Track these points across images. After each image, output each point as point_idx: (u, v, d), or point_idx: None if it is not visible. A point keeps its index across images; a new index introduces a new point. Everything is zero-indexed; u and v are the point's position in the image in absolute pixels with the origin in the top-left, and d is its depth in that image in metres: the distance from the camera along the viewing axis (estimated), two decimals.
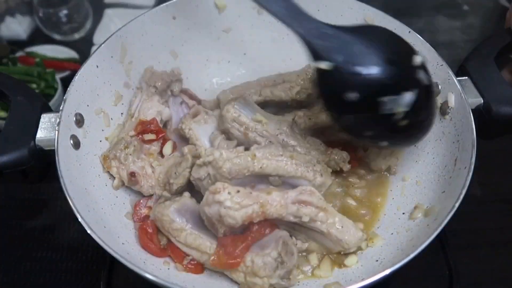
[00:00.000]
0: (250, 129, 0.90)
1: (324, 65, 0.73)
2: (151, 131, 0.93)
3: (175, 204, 0.83)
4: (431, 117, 0.81)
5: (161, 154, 0.94)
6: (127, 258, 0.69)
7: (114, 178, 0.89)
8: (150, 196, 0.90)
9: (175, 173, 0.86)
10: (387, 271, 0.69)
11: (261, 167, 0.80)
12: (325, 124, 0.92)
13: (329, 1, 1.04)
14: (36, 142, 0.82)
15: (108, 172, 0.89)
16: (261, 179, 0.82)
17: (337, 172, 0.92)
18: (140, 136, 0.92)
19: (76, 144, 0.84)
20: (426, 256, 0.80)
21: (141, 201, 0.89)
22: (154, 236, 0.84)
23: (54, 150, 0.78)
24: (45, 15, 1.48)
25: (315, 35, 0.74)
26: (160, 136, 0.93)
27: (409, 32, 0.97)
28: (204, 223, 0.81)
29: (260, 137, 0.90)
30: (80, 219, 0.71)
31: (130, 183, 0.88)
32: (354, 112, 0.76)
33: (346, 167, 0.90)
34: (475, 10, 1.61)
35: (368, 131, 0.80)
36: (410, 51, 0.77)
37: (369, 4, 1.02)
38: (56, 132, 0.80)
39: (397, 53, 0.76)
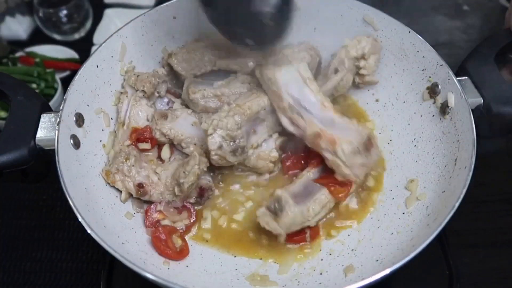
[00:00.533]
0: (221, 94, 0.95)
1: None
2: (145, 140, 0.92)
3: (290, 201, 0.84)
4: (289, 18, 0.84)
5: (159, 158, 0.94)
6: (127, 258, 0.69)
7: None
8: None
9: (184, 172, 0.86)
10: (387, 271, 0.69)
11: (249, 109, 0.88)
12: None
13: (329, 1, 1.04)
14: (36, 142, 0.82)
15: None
16: (254, 121, 0.91)
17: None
18: (136, 144, 0.92)
19: (76, 144, 0.84)
20: (426, 256, 0.80)
21: (151, 206, 0.89)
22: (169, 241, 0.84)
23: (54, 150, 0.78)
24: (45, 15, 1.48)
25: None
26: (154, 144, 0.93)
27: (409, 32, 0.97)
28: (308, 190, 0.87)
29: (234, 95, 0.95)
30: (80, 219, 0.71)
31: (139, 194, 0.88)
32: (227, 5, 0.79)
33: None
34: (475, 10, 1.61)
35: (238, 28, 0.83)
36: None
37: (369, 4, 1.02)
38: (56, 132, 0.80)
39: None
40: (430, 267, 0.93)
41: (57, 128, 0.80)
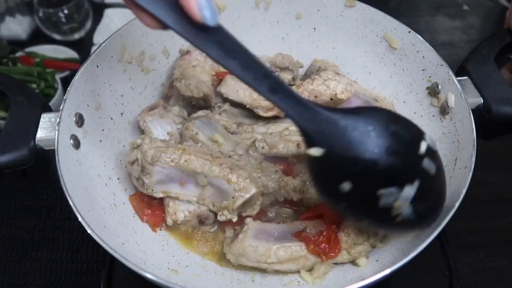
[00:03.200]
0: (208, 152, 0.87)
1: (314, 151, 0.67)
2: None
3: (249, 232, 0.81)
4: (437, 206, 0.73)
5: None
6: (127, 258, 0.69)
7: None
8: None
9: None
10: (387, 271, 0.69)
11: (185, 161, 0.82)
12: (284, 155, 0.91)
13: (329, 1, 1.04)
14: (36, 142, 0.82)
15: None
16: (189, 177, 0.84)
17: None
18: None
19: (76, 144, 0.84)
20: (426, 256, 0.80)
21: None
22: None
23: (54, 150, 0.78)
24: (45, 15, 1.48)
25: (307, 119, 0.67)
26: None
27: (409, 32, 0.97)
28: (279, 236, 0.81)
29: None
30: (80, 219, 0.71)
31: None
32: (348, 202, 0.69)
33: (297, 197, 0.86)
34: (475, 10, 1.61)
35: (366, 220, 0.73)
36: (417, 137, 0.70)
37: (369, 4, 1.02)
38: (56, 132, 0.80)
39: (400, 140, 0.68)
40: (430, 267, 0.93)
41: (57, 128, 0.80)
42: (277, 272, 0.82)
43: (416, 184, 0.68)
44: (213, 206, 0.85)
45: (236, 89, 0.95)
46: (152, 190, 0.85)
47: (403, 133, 0.68)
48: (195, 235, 0.89)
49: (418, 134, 0.70)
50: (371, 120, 0.67)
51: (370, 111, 0.72)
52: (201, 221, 0.87)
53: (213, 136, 0.90)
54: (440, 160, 0.73)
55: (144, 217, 0.88)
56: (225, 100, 0.99)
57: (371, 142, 0.66)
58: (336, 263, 0.82)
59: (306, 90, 0.92)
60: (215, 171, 0.82)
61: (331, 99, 0.92)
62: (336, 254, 0.81)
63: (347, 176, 0.66)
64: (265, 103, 0.94)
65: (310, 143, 0.67)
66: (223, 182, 0.82)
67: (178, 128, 0.95)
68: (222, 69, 1.02)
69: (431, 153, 0.70)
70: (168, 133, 0.95)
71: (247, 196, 0.81)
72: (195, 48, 1.00)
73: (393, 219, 0.69)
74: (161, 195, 0.86)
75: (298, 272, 0.82)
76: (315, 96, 0.92)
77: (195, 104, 0.99)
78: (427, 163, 0.69)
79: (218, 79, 1.01)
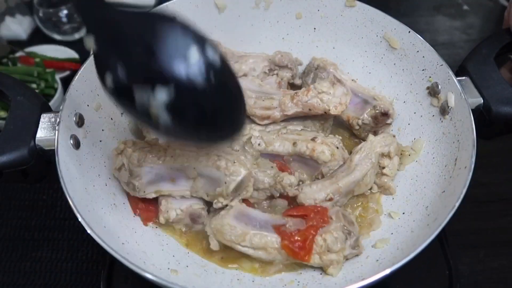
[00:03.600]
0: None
1: (87, 38, 0.67)
2: None
3: (232, 211, 0.82)
4: (213, 125, 0.70)
5: None
6: (127, 259, 0.69)
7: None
8: None
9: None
10: (387, 271, 0.69)
11: (172, 157, 0.82)
12: (280, 153, 0.91)
13: (329, 1, 1.04)
14: (36, 142, 0.82)
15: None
16: (178, 172, 0.84)
17: None
18: None
19: (76, 144, 0.84)
20: (426, 256, 0.80)
21: None
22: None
23: (54, 150, 0.78)
24: (45, 15, 1.48)
25: (90, 10, 0.66)
26: None
27: (409, 32, 0.97)
28: (259, 224, 0.82)
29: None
30: (80, 219, 0.71)
31: None
32: (115, 99, 0.67)
33: (292, 192, 0.86)
34: (475, 10, 1.61)
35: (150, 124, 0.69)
36: (194, 44, 0.65)
37: (369, 4, 1.02)
38: (56, 132, 0.80)
39: (164, 41, 0.64)
40: (430, 267, 0.93)
41: (57, 128, 0.80)
42: (277, 272, 0.83)
43: (170, 88, 0.63)
44: (207, 195, 0.85)
45: None
46: (144, 192, 0.85)
47: (174, 36, 0.64)
48: (193, 235, 0.89)
49: (193, 41, 0.65)
50: (144, 19, 0.67)
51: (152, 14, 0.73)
52: (193, 219, 0.87)
53: None
54: (227, 76, 0.69)
55: (136, 211, 0.88)
56: None
57: (133, 37, 0.65)
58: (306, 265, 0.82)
59: (300, 102, 0.91)
60: (203, 161, 0.82)
61: (325, 112, 0.92)
62: (308, 259, 0.80)
63: (108, 66, 0.65)
64: (260, 112, 0.93)
65: (87, 30, 0.67)
66: (213, 169, 0.82)
67: None
68: None
69: (205, 64, 0.65)
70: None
71: (239, 178, 0.82)
72: None
73: (156, 126, 0.66)
74: (154, 195, 0.86)
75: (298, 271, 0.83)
76: (309, 109, 0.91)
77: None
78: (192, 72, 0.63)
79: None
